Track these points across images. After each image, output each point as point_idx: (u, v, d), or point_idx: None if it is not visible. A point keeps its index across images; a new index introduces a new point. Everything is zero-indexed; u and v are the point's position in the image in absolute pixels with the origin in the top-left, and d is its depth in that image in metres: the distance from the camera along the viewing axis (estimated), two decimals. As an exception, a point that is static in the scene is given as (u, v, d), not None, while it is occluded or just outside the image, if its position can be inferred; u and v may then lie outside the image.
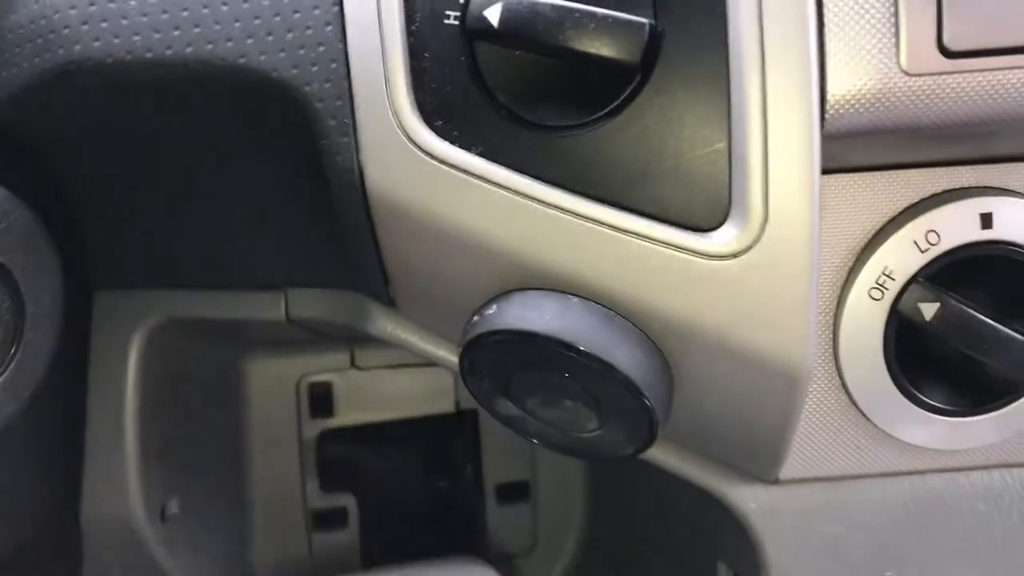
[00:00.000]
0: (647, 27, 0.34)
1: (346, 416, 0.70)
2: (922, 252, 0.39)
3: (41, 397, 0.47)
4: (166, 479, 0.55)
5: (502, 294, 0.39)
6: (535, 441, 0.43)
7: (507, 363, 0.39)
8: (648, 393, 0.37)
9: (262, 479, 0.68)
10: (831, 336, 0.42)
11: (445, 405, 0.71)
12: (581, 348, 0.36)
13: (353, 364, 0.70)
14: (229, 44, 0.39)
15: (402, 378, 0.71)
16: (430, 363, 0.70)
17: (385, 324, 0.48)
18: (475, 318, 0.39)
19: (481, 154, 0.37)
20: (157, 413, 0.54)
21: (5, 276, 0.43)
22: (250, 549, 0.67)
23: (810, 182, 0.35)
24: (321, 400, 0.70)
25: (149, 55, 0.39)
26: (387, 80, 0.37)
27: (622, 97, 0.36)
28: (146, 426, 0.53)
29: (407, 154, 0.37)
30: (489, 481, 0.72)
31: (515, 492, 0.72)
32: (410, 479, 0.72)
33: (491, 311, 0.39)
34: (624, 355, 0.37)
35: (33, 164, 0.45)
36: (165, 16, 0.39)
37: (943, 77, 0.35)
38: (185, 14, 0.39)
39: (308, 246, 0.48)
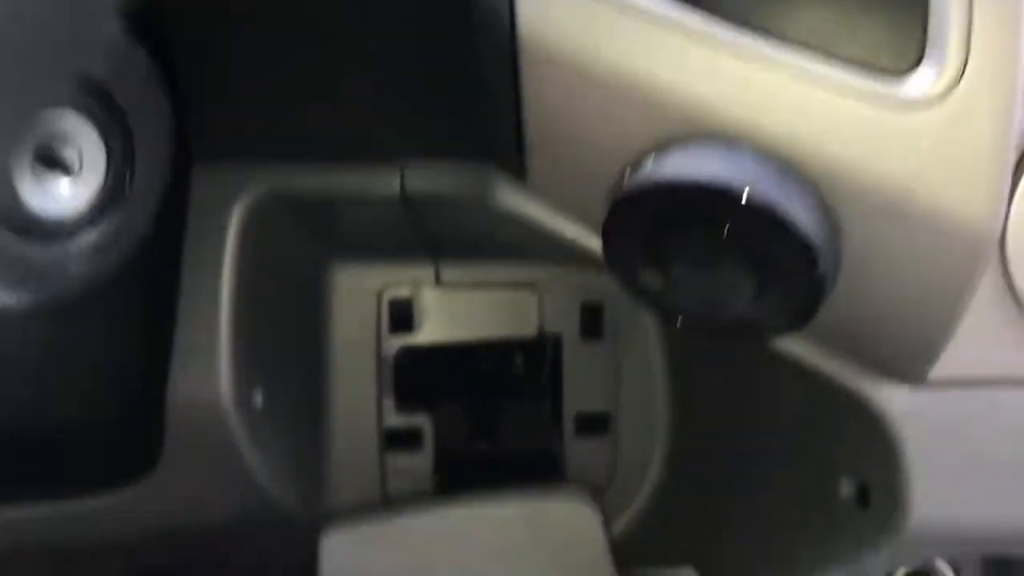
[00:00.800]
0: None
1: (426, 333, 0.68)
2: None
3: (136, 272, 0.45)
4: (253, 368, 0.53)
5: (658, 148, 0.36)
6: (677, 321, 0.40)
7: (660, 223, 0.36)
8: (821, 257, 0.34)
9: (338, 390, 0.66)
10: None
11: (528, 329, 0.68)
12: (755, 200, 0.33)
13: (437, 280, 0.67)
14: None
15: (486, 297, 0.68)
16: (515, 284, 0.68)
17: (512, 198, 0.45)
18: (627, 172, 0.37)
19: (647, -10, 0.35)
20: (250, 298, 0.52)
21: (120, 119, 0.41)
22: (323, 457, 0.65)
23: (1019, 12, 0.32)
24: (402, 315, 0.67)
25: None
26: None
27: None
28: (240, 308, 0.51)
29: (566, -11, 0.35)
30: (569, 410, 0.69)
31: (595, 423, 0.69)
32: (488, 404, 0.69)
33: (648, 164, 0.36)
34: (801, 212, 0.34)
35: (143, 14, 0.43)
36: None
37: None
38: None
39: (432, 110, 0.45)
